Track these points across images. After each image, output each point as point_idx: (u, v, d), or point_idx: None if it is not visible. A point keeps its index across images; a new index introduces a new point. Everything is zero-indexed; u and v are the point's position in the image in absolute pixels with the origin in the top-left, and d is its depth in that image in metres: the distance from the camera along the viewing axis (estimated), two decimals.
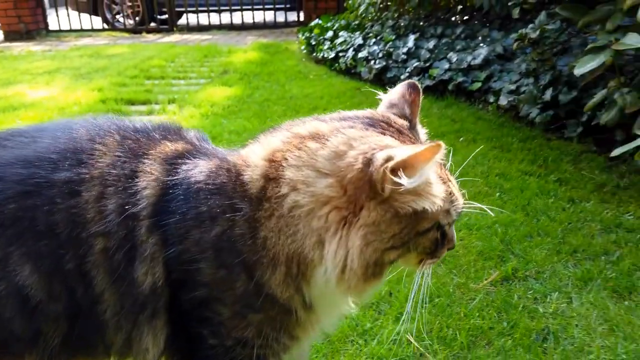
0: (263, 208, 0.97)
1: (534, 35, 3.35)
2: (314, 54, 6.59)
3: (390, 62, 5.17)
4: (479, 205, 1.05)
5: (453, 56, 4.80)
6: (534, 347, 1.61)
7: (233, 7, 10.05)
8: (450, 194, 0.99)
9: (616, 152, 2.43)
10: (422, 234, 0.97)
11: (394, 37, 5.52)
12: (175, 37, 9.34)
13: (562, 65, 3.67)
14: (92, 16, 10.27)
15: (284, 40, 8.34)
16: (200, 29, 10.07)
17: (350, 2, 7.23)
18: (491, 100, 4.22)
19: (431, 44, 5.15)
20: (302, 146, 0.98)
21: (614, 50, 2.66)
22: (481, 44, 4.85)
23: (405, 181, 0.87)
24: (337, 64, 5.86)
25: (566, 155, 3.17)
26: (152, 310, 1.04)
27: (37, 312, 1.01)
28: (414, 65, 4.96)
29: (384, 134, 0.98)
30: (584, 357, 1.56)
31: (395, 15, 6.20)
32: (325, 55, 6.20)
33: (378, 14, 6.47)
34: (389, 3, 6.27)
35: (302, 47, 7.02)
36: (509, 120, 3.91)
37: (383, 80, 5.10)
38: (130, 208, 1.01)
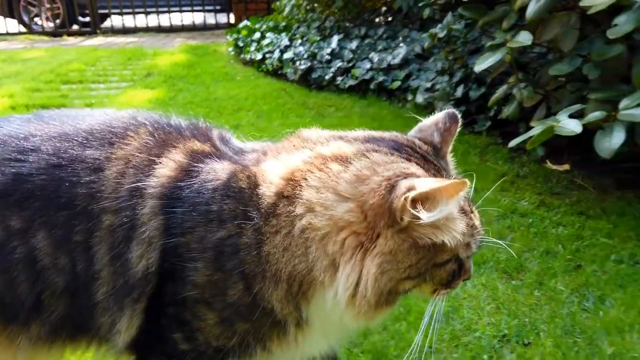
0: (270, 224, 0.95)
1: (442, 35, 3.50)
2: (242, 56, 6.56)
3: (315, 62, 5.24)
4: (494, 240, 1.06)
5: (375, 56, 4.93)
6: (425, 329, 1.69)
7: (160, 9, 9.82)
8: (471, 226, 0.97)
9: (512, 143, 2.58)
10: (440, 266, 0.95)
11: (318, 38, 5.60)
12: (98, 40, 8.99)
13: (472, 63, 3.87)
14: (8, 19, 9.71)
15: (213, 43, 8.24)
16: (125, 31, 9.76)
17: (277, 3, 7.26)
18: (409, 98, 4.38)
19: (354, 44, 5.26)
20: (323, 167, 0.96)
21: (509, 48, 2.83)
22: (401, 44, 5.01)
23: (424, 215, 0.86)
24: (264, 65, 5.87)
25: (474, 148, 3.34)
26: (138, 295, 1.03)
27: (40, 279, 1.04)
28: (338, 65, 5.06)
29: (410, 160, 0.97)
30: (470, 335, 1.66)
31: (322, 16, 6.28)
32: (253, 57, 6.19)
33: (304, 15, 6.53)
34: (315, 5, 6.34)
35: (230, 49, 6.96)
36: (426, 117, 4.07)
37: (309, 81, 5.16)
38: (139, 183, 1.02)
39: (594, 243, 2.16)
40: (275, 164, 1.02)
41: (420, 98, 4.15)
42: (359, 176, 0.92)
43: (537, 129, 2.41)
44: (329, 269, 0.93)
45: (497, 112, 3.52)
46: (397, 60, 4.72)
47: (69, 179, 1.03)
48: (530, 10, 2.59)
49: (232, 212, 0.97)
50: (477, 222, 1.00)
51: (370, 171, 0.92)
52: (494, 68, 3.60)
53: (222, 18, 10.07)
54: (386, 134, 1.05)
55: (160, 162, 1.05)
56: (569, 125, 2.38)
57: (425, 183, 0.87)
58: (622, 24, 2.19)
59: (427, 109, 4.14)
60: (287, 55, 5.56)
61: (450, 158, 1.10)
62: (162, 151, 1.07)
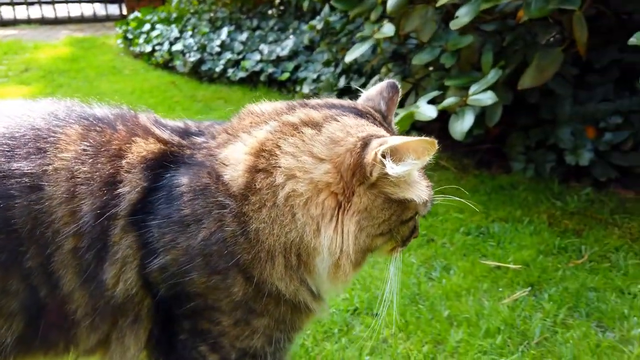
0: (250, 202, 0.92)
1: (319, 27, 3.59)
2: (132, 49, 6.31)
3: (205, 54, 5.16)
4: (444, 196, 1.10)
5: (265, 48, 4.95)
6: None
7: (43, 0, 9.14)
8: (428, 186, 1.00)
9: None
10: (405, 223, 0.98)
11: (208, 30, 5.51)
12: None
13: None
14: None
15: (103, 35, 7.82)
16: (3, 23, 8.98)
17: None
18: (298, 89, 4.46)
19: (244, 36, 5.25)
20: (295, 133, 0.94)
21: (376, 39, 2.97)
22: (291, 36, 5.07)
23: (391, 167, 0.87)
24: (153, 58, 5.68)
25: None
26: (135, 317, 0.97)
27: None
28: (228, 57, 5.02)
29: (375, 125, 0.99)
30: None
31: (213, 7, 6.18)
32: (142, 50, 5.97)
33: (196, 6, 6.40)
34: None
35: (119, 42, 6.66)
36: None
37: (199, 74, 5.08)
38: (110, 210, 0.93)
39: (446, 218, 2.34)
40: (236, 145, 0.99)
41: (306, 89, 4.24)
42: (333, 138, 0.93)
43: (399, 115, 2.56)
44: (316, 233, 0.92)
45: None
46: (285, 52, 4.78)
47: None
48: (390, 3, 2.73)
49: (204, 208, 0.93)
50: (427, 182, 1.02)
51: (344, 133, 0.93)
52: (371, 58, 3.80)
53: (114, 9, 9.57)
54: (344, 102, 1.06)
55: (120, 183, 0.96)
56: (426, 111, 2.55)
57: (396, 138, 0.89)
58: (463, 15, 2.38)
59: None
60: (177, 47, 5.43)
61: (394, 125, 1.12)
62: (113, 166, 0.97)
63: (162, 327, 1.00)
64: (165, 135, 1.04)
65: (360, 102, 1.12)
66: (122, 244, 0.94)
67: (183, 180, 0.97)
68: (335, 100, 1.07)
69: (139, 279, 0.95)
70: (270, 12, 6.12)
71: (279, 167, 0.92)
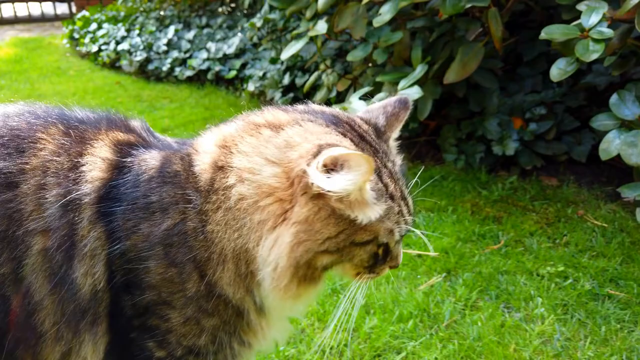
0: (211, 200, 0.90)
1: (259, 24, 3.61)
2: (78, 48, 6.19)
3: (152, 53, 5.11)
4: (420, 233, 1.06)
5: (212, 46, 4.94)
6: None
7: None
8: (396, 213, 0.91)
9: None
10: (360, 246, 0.90)
11: (154, 29, 5.46)
12: None
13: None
14: None
15: (50, 35, 7.63)
16: None
17: None
18: (244, 87, 4.47)
19: (192, 34, 5.22)
20: (254, 133, 0.92)
21: (310, 36, 3.01)
22: (239, 34, 5.07)
23: (323, 179, 0.81)
24: (99, 58, 5.59)
25: None
26: (93, 316, 0.92)
27: None
28: (174, 56, 4.99)
29: (345, 136, 0.92)
30: None
31: (160, 5, 6.11)
32: (89, 49, 5.87)
33: (143, 4, 6.31)
34: None
35: (65, 41, 6.52)
36: (259, 105, 4.17)
37: (147, 73, 5.03)
38: (71, 195, 0.87)
39: None
40: (208, 134, 0.98)
41: (252, 86, 4.26)
42: (289, 142, 0.88)
43: None
44: (258, 241, 0.88)
45: (325, 97, 3.74)
46: (232, 50, 4.78)
47: None
48: (321, 2, 2.78)
49: (172, 198, 0.90)
50: (404, 210, 0.94)
51: (302, 138, 0.88)
52: (313, 55, 3.85)
53: (64, 8, 9.35)
54: (327, 109, 1.02)
55: (87, 163, 0.93)
56: (357, 106, 2.61)
57: (335, 149, 0.82)
58: (385, 12, 2.45)
59: (260, 97, 4.27)
60: (123, 46, 5.36)
61: (393, 143, 1.05)
62: (83, 148, 0.95)
63: (116, 329, 0.97)
64: (148, 137, 1.04)
65: (360, 113, 1.07)
66: (91, 236, 0.90)
67: (153, 162, 0.95)
68: (317, 107, 1.03)
69: (105, 271, 0.92)
70: (220, 9, 6.09)
71: (232, 167, 0.90)
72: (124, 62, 5.19)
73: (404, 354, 1.55)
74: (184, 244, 0.89)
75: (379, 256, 0.94)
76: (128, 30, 5.69)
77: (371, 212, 0.87)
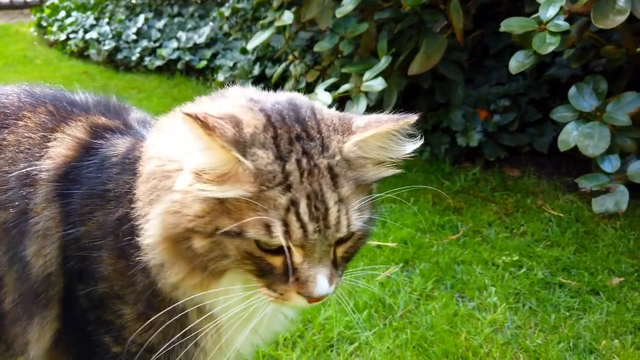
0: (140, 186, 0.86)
1: (227, 14, 3.57)
2: (46, 37, 6.03)
3: (121, 42, 5.01)
4: None
5: (182, 35, 4.86)
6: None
7: None
8: (286, 208, 0.73)
9: None
10: (229, 237, 0.75)
11: (124, 17, 5.35)
12: None
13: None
14: None
15: (18, 23, 7.43)
16: None
17: None
18: (215, 77, 4.42)
19: (162, 23, 5.13)
20: (174, 116, 0.88)
21: (277, 27, 2.99)
22: (210, 23, 5.00)
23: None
24: (68, 47, 5.46)
25: None
26: (45, 300, 0.89)
27: None
28: (144, 45, 4.90)
29: (255, 114, 0.79)
30: None
31: None
32: (57, 38, 5.72)
33: None
34: None
35: (32, 29, 6.35)
36: None
37: (115, 62, 4.93)
38: (29, 168, 0.85)
39: None
40: (165, 117, 0.93)
41: (222, 77, 4.21)
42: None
43: None
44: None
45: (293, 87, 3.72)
46: (203, 40, 4.71)
47: None
48: None
49: (127, 185, 0.86)
50: (305, 211, 0.74)
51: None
52: (283, 46, 3.82)
53: None
54: (272, 95, 0.90)
55: (55, 139, 0.91)
56: (322, 97, 2.61)
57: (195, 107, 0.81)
58: (347, 3, 2.45)
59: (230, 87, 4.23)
60: (92, 35, 5.24)
61: (354, 149, 0.82)
62: (57, 126, 0.93)
63: (70, 319, 0.94)
64: (136, 127, 1.00)
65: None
66: (44, 214, 0.88)
67: (120, 148, 0.91)
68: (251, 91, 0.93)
69: (58, 255, 0.89)
70: None
71: (151, 146, 0.86)
72: (92, 51, 5.08)
73: (356, 344, 1.56)
74: (132, 235, 0.85)
75: (272, 268, 0.77)
76: (97, 19, 5.56)
77: (232, 190, 0.73)
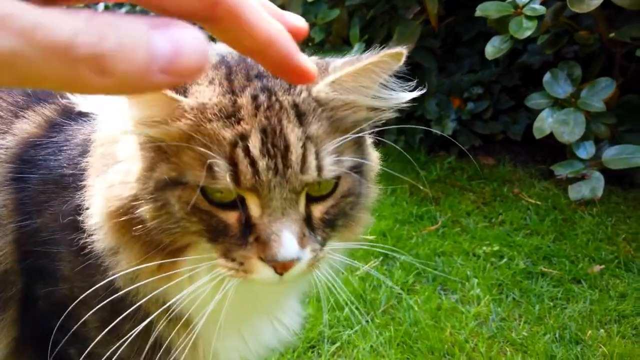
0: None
1: None
2: None
3: None
4: None
5: None
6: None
7: None
8: (233, 144, 0.59)
9: None
10: (167, 188, 0.62)
11: (82, 6, 5.12)
12: None
13: None
14: None
15: None
16: None
17: None
18: None
19: (124, 10, 4.92)
20: None
21: None
22: None
23: None
24: None
25: None
26: (2, 301, 0.77)
27: None
28: None
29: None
30: None
31: None
32: None
33: None
34: None
35: None
36: None
37: None
38: None
39: None
40: None
41: None
42: None
43: None
44: None
45: None
46: None
47: None
48: None
49: (85, 171, 0.74)
50: (227, 134, 0.60)
51: None
52: None
53: None
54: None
55: (23, 116, 0.82)
56: None
57: None
58: None
59: None
60: None
61: (328, 90, 0.69)
62: (30, 106, 0.83)
63: (30, 326, 0.82)
64: None
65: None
66: None
67: (87, 129, 0.78)
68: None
69: (14, 250, 0.78)
70: None
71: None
72: None
73: (338, 344, 1.49)
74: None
75: (226, 227, 0.62)
76: None
77: (169, 128, 0.59)
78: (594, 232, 1.99)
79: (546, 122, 2.31)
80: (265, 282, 0.64)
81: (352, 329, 1.55)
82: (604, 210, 2.13)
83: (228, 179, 0.58)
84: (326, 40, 2.89)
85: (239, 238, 0.62)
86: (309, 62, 0.37)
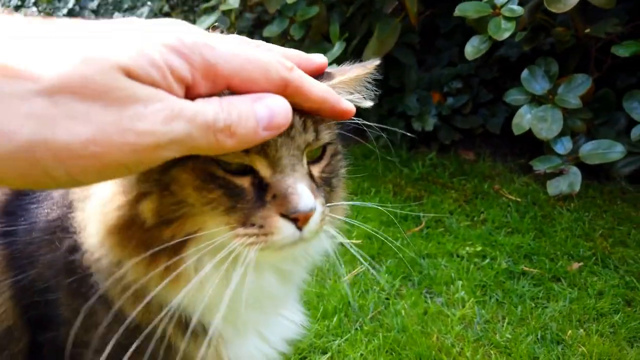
0: None
1: None
2: None
3: None
4: None
5: (118, 16, 4.55)
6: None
7: None
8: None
9: None
10: (177, 165, 0.59)
11: None
12: None
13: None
14: None
15: None
16: None
17: None
18: None
19: (95, 3, 4.79)
20: None
21: (223, 10, 2.83)
22: (149, 2, 4.70)
23: None
24: None
25: None
26: (10, 358, 0.77)
27: None
28: None
29: None
30: None
31: None
32: None
33: None
34: None
35: None
36: None
37: None
38: None
39: None
40: None
41: None
42: None
43: None
44: None
45: None
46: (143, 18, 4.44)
47: None
48: None
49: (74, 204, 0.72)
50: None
51: None
52: (227, 26, 3.64)
53: None
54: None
55: None
56: None
57: None
58: None
59: None
60: None
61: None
62: None
63: None
64: None
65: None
66: None
67: None
68: None
69: (14, 306, 0.76)
70: None
71: None
72: None
73: (329, 354, 1.53)
74: (83, 267, 0.72)
75: (242, 192, 0.62)
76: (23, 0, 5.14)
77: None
78: (572, 228, 2.05)
79: (525, 119, 2.35)
80: (286, 243, 0.63)
81: (342, 338, 1.58)
82: (582, 205, 2.19)
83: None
84: (305, 37, 2.86)
85: (256, 201, 0.62)
86: (348, 103, 0.58)
